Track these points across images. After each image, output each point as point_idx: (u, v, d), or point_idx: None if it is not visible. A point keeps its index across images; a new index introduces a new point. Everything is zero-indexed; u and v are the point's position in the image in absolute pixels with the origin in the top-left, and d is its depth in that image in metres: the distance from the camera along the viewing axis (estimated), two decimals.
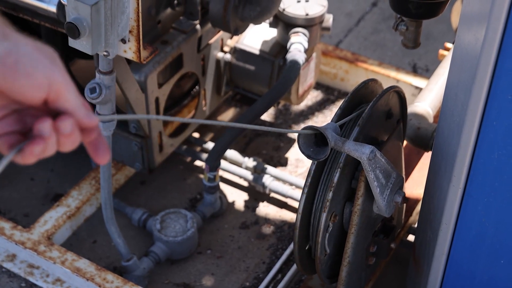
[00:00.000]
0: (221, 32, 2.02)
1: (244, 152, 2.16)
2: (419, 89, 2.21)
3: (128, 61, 1.68)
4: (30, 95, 0.74)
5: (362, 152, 1.38)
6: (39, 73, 0.74)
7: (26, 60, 0.73)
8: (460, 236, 1.44)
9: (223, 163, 2.05)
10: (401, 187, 1.52)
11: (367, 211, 1.51)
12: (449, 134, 1.36)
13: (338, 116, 1.49)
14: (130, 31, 1.48)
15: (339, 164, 1.45)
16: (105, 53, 1.47)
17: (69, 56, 1.95)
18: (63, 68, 0.78)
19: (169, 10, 1.86)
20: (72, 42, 1.43)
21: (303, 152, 1.40)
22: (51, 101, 0.77)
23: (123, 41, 1.48)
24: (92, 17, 1.38)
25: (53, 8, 1.66)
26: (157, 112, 1.89)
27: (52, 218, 1.86)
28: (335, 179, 1.45)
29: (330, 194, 1.45)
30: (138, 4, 1.45)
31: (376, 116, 1.50)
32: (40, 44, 0.77)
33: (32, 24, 1.93)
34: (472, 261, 1.45)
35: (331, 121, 1.47)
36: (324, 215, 1.46)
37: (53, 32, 1.82)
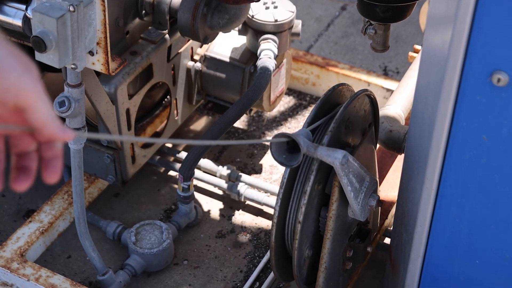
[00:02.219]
0: (191, 41, 2.02)
1: (218, 161, 2.16)
2: (391, 92, 2.23)
3: (97, 73, 1.67)
4: None
5: (335, 157, 1.39)
6: (7, 76, 0.73)
7: None
8: (435, 238, 1.45)
9: (197, 173, 2.05)
10: (375, 190, 1.53)
11: (342, 216, 1.52)
12: (420, 137, 1.37)
13: (310, 122, 1.49)
14: (97, 43, 1.47)
15: (312, 171, 1.46)
16: (73, 66, 1.46)
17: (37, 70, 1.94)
18: (38, 78, 0.76)
19: (137, 21, 1.86)
20: (39, 56, 1.42)
21: (276, 159, 1.41)
22: (21, 110, 0.75)
23: (91, 53, 1.48)
24: (58, 30, 1.38)
25: (18, 22, 1.65)
26: (129, 123, 1.88)
27: (24, 234, 1.84)
28: (309, 186, 1.45)
29: (305, 200, 1.46)
30: (105, 16, 1.44)
31: (348, 120, 1.51)
32: (18, 51, 0.76)
33: None
34: (448, 263, 1.47)
35: (303, 127, 1.47)
36: (300, 220, 1.46)
37: (20, 46, 1.81)
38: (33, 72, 0.76)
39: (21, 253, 1.80)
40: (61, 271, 1.85)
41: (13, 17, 1.64)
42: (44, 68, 1.90)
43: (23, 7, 1.64)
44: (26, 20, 1.61)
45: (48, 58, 1.42)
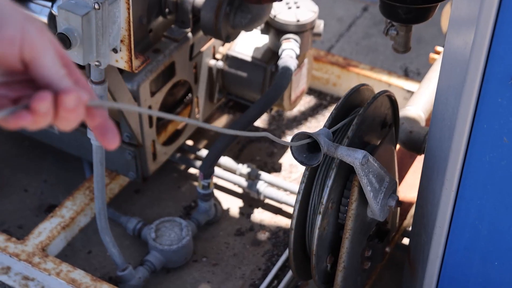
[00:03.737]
0: (213, 40, 2.04)
1: (238, 159, 2.17)
2: (411, 93, 2.23)
3: (120, 71, 1.69)
4: (1, 51, 0.67)
5: (355, 157, 1.39)
6: (9, 26, 0.66)
7: None
8: (454, 239, 1.45)
9: (217, 170, 2.06)
10: (394, 191, 1.54)
11: (361, 216, 1.52)
12: (440, 138, 1.37)
13: (330, 122, 1.50)
14: (121, 41, 1.49)
15: (332, 170, 1.46)
16: (96, 63, 1.48)
17: None
18: (44, 28, 0.68)
19: (160, 19, 1.87)
20: None
21: (296, 159, 1.41)
22: (28, 64, 0.68)
23: (115, 50, 1.49)
24: (83, 27, 1.40)
25: (44, 19, 1.67)
26: (150, 122, 1.90)
27: (46, 229, 1.87)
28: (329, 185, 1.46)
29: (324, 199, 1.46)
30: (129, 14, 1.46)
31: (368, 121, 1.51)
32: (17, 5, 0.69)
33: None
34: (467, 264, 1.47)
35: (323, 126, 1.48)
36: (318, 221, 1.47)
37: None
38: (36, 22, 0.69)
39: (42, 248, 1.82)
40: (81, 266, 1.88)
41: (39, 14, 1.66)
42: None
43: (49, 4, 1.66)
44: (51, 17, 1.63)
45: (72, 55, 1.43)
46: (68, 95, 0.69)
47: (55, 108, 0.69)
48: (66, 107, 0.69)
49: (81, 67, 1.93)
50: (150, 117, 1.89)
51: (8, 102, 0.71)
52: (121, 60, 1.51)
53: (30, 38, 0.67)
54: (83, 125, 1.77)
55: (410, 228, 1.85)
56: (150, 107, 1.87)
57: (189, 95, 2.07)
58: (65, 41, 1.40)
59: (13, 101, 0.71)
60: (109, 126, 0.76)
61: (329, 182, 1.46)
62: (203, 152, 2.12)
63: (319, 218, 1.47)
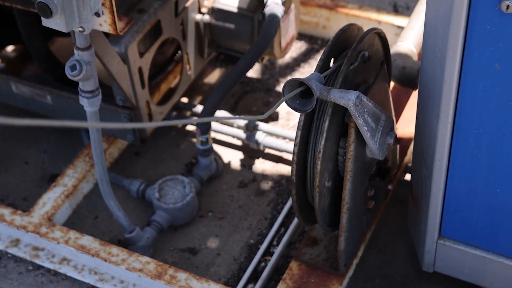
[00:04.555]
0: None
1: (234, 111, 2.16)
2: (402, 28, 2.20)
3: (106, 34, 1.67)
4: None
5: (348, 98, 1.38)
6: None
7: None
8: (454, 170, 1.44)
9: (215, 125, 2.05)
10: (392, 128, 1.53)
11: (360, 156, 1.52)
12: (433, 71, 1.36)
13: (321, 66, 1.48)
14: (103, 4, 1.46)
15: (327, 113, 1.45)
16: (80, 29, 1.45)
17: (47, 35, 1.93)
18: None
19: None
20: (46, 22, 1.42)
21: (289, 106, 1.40)
22: None
23: (97, 14, 1.46)
24: None
25: None
26: (142, 82, 1.88)
27: (50, 199, 1.87)
28: (325, 128, 1.45)
29: (322, 142, 1.45)
30: None
31: (358, 60, 1.49)
32: None
33: (4, 7, 1.91)
34: (469, 194, 1.47)
35: (314, 71, 1.46)
36: (318, 164, 1.47)
37: (27, 14, 1.80)
38: None
39: (48, 218, 1.83)
40: (89, 232, 1.88)
41: None
42: (53, 33, 1.89)
43: None
44: None
45: (55, 23, 1.41)
46: None
47: None
48: None
49: (67, 34, 1.91)
50: (142, 78, 1.87)
51: None
52: (104, 24, 1.48)
53: None
54: (76, 93, 1.76)
55: (411, 164, 1.85)
56: (140, 68, 1.86)
57: (179, 52, 2.05)
58: (45, 9, 1.37)
59: None
60: None
61: (325, 125, 1.45)
62: (199, 108, 2.11)
63: (319, 162, 1.46)
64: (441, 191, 1.48)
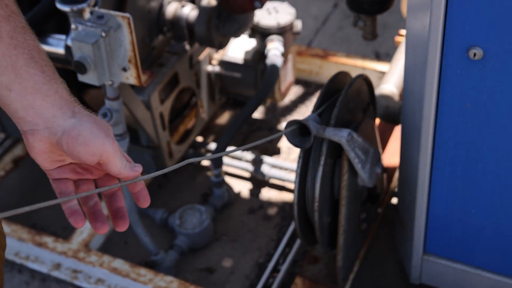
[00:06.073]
0: (208, 49, 2.02)
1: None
2: (384, 73, 2.21)
3: (132, 86, 1.68)
4: (85, 159, 0.81)
5: (341, 135, 1.39)
6: (94, 144, 0.80)
7: (86, 133, 0.80)
8: (435, 195, 1.44)
9: (226, 160, 2.06)
10: (379, 159, 1.53)
11: (353, 185, 1.52)
12: (413, 110, 1.36)
13: (317, 108, 1.49)
14: (129, 60, 1.48)
15: (323, 149, 1.45)
16: (110, 83, 1.47)
17: (82, 88, 1.95)
18: (113, 138, 0.84)
19: (160, 37, 1.86)
20: (81, 77, 1.43)
21: (291, 142, 1.41)
22: (102, 164, 0.84)
23: (124, 69, 1.48)
24: (94, 53, 1.39)
25: (61, 50, 1.66)
26: (163, 125, 1.89)
27: (86, 228, 1.86)
28: (321, 162, 1.45)
29: (319, 174, 1.46)
30: (132, 37, 1.45)
31: (349, 103, 1.50)
32: (99, 119, 0.83)
33: None
34: (449, 215, 1.46)
35: (311, 112, 1.47)
36: (317, 192, 1.46)
37: (65, 71, 1.82)
38: (110, 134, 0.83)
39: (85, 244, 1.82)
40: (120, 256, 1.88)
41: (56, 47, 1.65)
42: (87, 86, 1.91)
43: (64, 37, 1.65)
44: (67, 48, 1.62)
45: (88, 78, 1.43)
46: (130, 175, 0.85)
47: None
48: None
49: (98, 87, 1.92)
50: (163, 122, 1.88)
51: (71, 185, 0.87)
52: (130, 77, 1.50)
53: (107, 150, 0.81)
54: None
55: (397, 189, 1.85)
56: (161, 113, 1.87)
57: (194, 98, 2.06)
58: (81, 67, 1.39)
59: (74, 183, 0.87)
60: (144, 193, 0.88)
61: (322, 159, 1.45)
62: (212, 146, 2.11)
63: (318, 189, 1.46)
64: (424, 213, 1.47)
